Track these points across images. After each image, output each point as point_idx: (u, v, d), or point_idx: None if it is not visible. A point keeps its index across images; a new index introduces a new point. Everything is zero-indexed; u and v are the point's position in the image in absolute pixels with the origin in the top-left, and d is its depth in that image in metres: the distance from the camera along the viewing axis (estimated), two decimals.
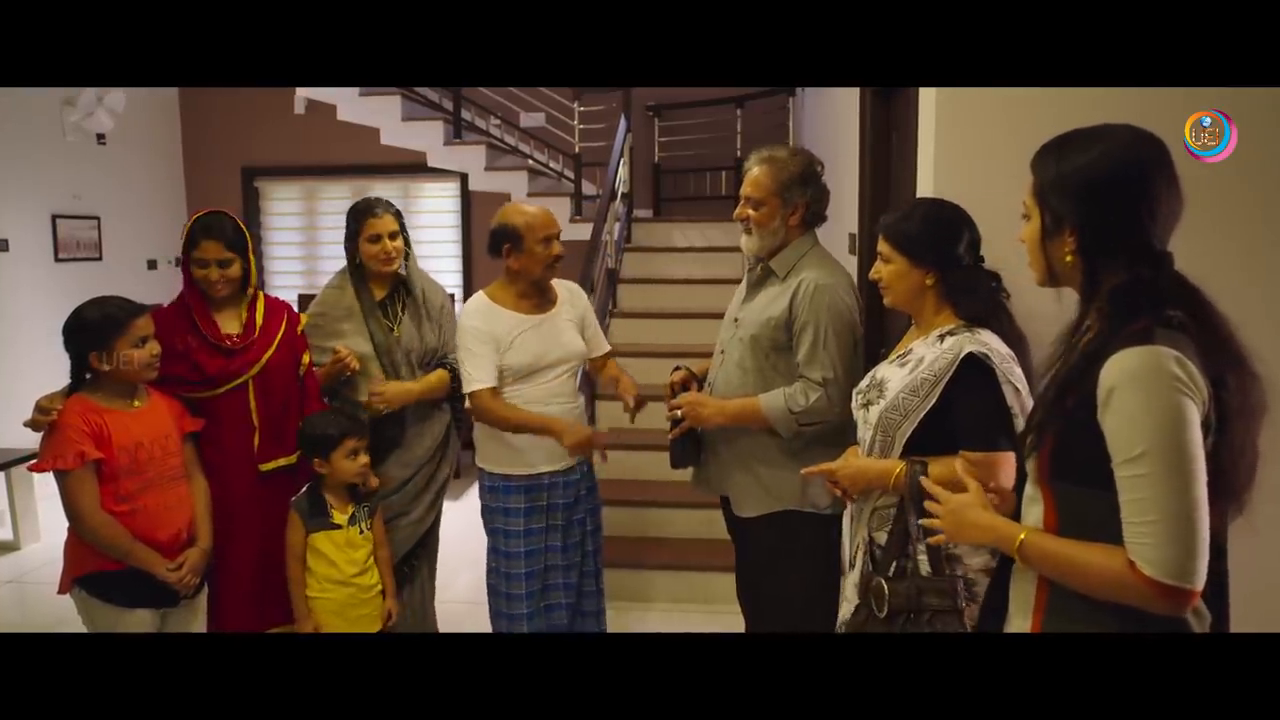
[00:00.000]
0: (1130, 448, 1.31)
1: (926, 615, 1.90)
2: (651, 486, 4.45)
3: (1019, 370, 1.97)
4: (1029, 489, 1.51)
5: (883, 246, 2.13)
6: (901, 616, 1.92)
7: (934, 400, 1.98)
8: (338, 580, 2.76)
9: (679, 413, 2.68)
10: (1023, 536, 1.44)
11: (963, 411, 1.96)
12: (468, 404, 2.97)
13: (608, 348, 3.26)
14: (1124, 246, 1.40)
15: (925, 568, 1.92)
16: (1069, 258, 1.46)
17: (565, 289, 3.13)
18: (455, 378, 3.07)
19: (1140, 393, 1.31)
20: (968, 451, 1.92)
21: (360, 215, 3.05)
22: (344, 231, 3.10)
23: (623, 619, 3.68)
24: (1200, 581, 1.30)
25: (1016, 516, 1.54)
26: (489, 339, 2.90)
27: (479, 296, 3.01)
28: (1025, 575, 1.51)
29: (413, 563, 3.17)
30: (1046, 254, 1.50)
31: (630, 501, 4.42)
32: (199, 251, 2.71)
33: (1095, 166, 1.43)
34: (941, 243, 2.07)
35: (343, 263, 3.15)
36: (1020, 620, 1.52)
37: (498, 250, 2.95)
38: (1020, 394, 1.94)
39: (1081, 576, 1.38)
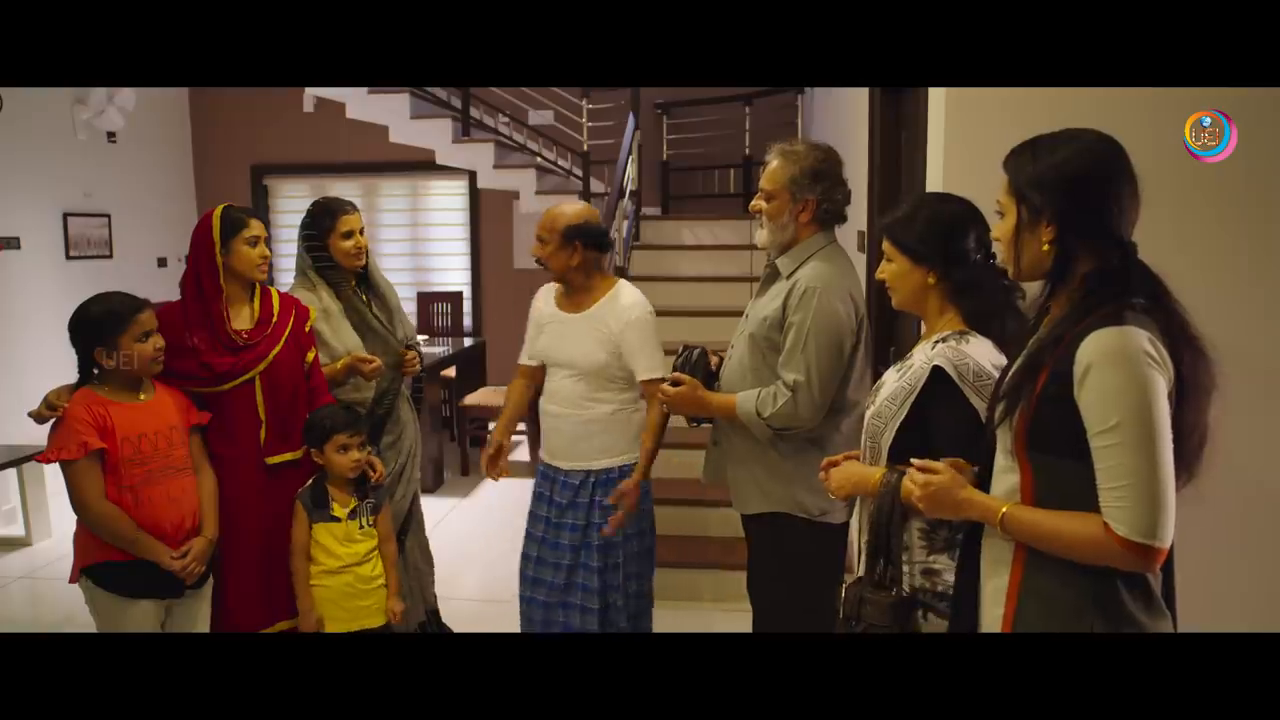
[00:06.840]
0: (1106, 419, 1.41)
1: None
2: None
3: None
4: (1002, 459, 1.60)
5: (885, 245, 2.06)
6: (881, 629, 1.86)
7: (905, 412, 1.91)
8: (335, 569, 2.77)
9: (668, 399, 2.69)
10: (1005, 510, 1.54)
11: (936, 423, 1.89)
12: None
13: (645, 375, 2.92)
14: (1096, 236, 1.51)
15: (908, 582, 1.88)
16: (1045, 247, 1.55)
17: (621, 303, 2.96)
18: (422, 360, 3.39)
19: (1115, 368, 1.41)
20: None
21: (334, 213, 3.15)
22: (309, 233, 3.18)
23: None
24: (1168, 540, 1.41)
25: (983, 486, 1.64)
26: (533, 320, 3.14)
27: (551, 283, 3.15)
28: (998, 545, 1.59)
29: (402, 537, 3.27)
30: (1019, 246, 1.59)
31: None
32: (250, 230, 2.75)
33: (1070, 163, 1.53)
34: (943, 240, 1.97)
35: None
36: (997, 580, 1.59)
37: None
38: None
39: (1059, 542, 1.49)
